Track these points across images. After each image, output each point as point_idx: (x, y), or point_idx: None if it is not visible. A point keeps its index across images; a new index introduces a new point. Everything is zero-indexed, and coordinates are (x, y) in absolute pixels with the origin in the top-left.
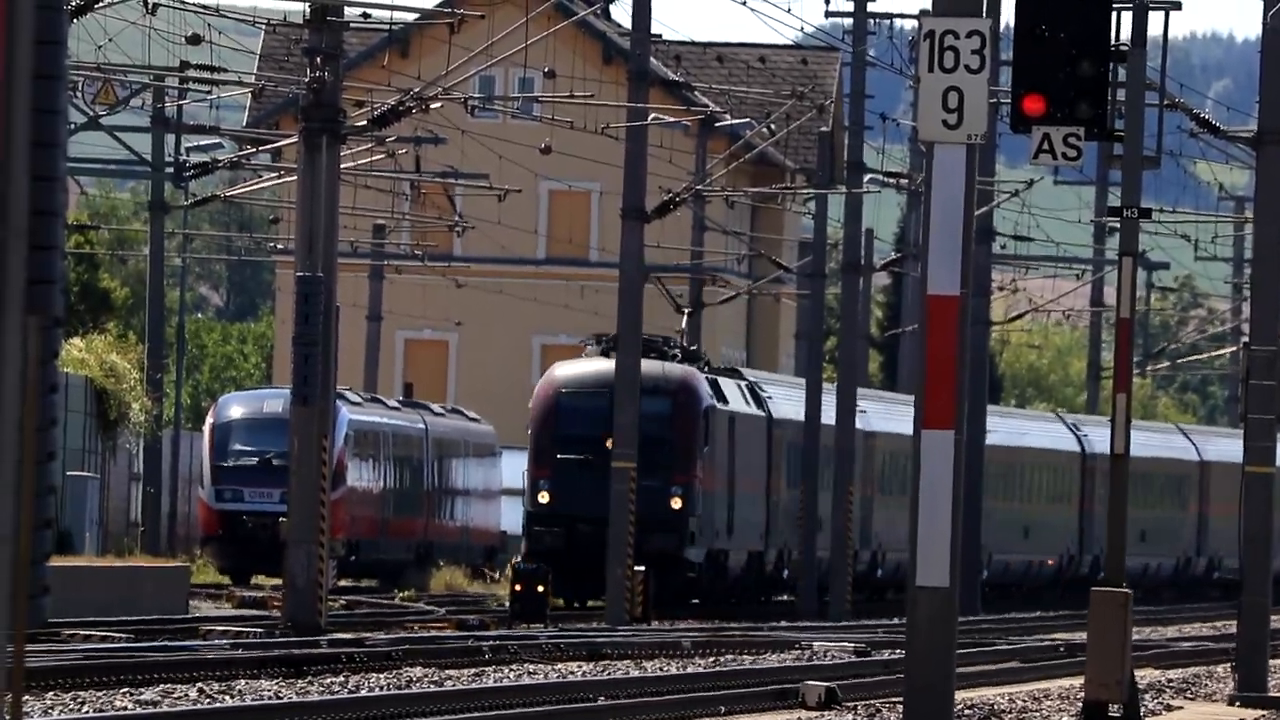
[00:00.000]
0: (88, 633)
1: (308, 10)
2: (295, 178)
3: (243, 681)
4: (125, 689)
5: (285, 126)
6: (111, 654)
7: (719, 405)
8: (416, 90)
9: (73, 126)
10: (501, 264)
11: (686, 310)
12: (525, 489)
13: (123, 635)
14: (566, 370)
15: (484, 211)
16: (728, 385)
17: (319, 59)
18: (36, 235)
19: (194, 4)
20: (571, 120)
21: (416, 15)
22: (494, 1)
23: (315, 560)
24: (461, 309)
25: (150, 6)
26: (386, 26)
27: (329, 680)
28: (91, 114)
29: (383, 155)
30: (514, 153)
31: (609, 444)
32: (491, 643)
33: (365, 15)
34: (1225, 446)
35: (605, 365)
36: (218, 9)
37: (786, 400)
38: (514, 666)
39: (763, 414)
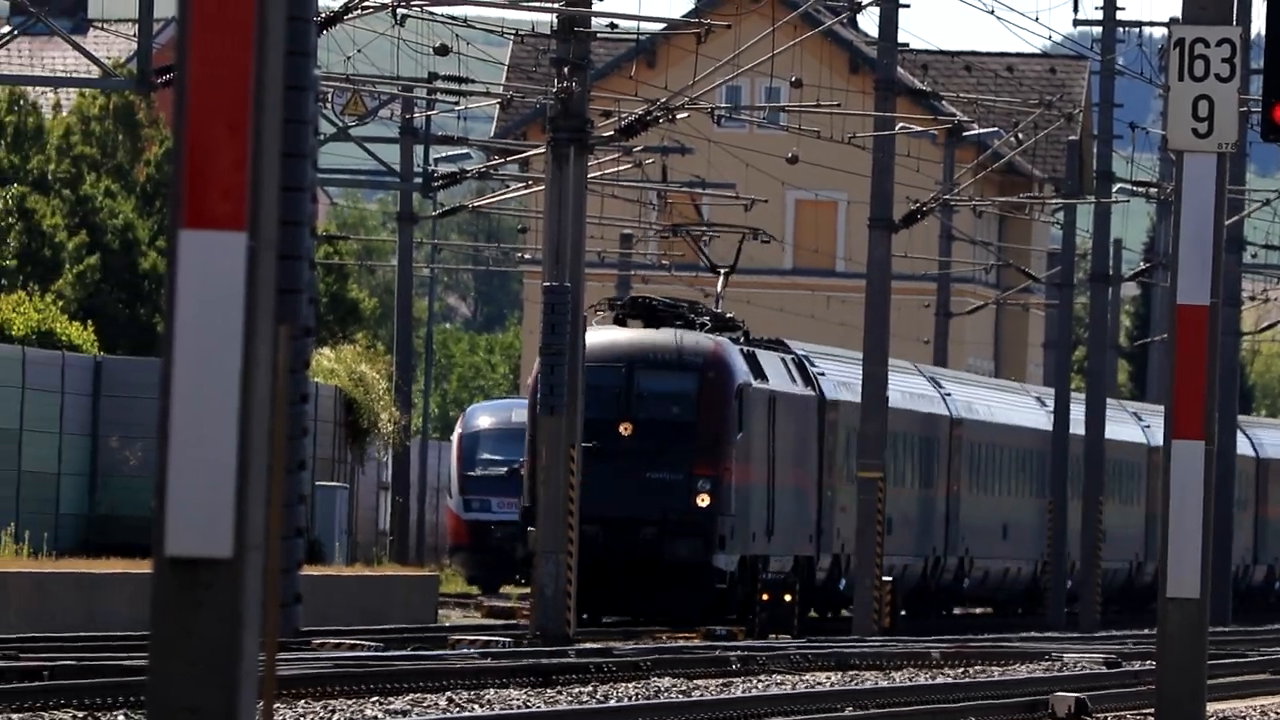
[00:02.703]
0: (338, 641)
1: (556, 21)
2: (543, 188)
3: (492, 691)
4: (375, 698)
5: (533, 137)
6: (362, 663)
7: (756, 383)
8: (663, 100)
9: (322, 137)
10: (748, 274)
11: (723, 269)
12: (523, 482)
13: (372, 644)
14: None
15: (730, 221)
16: (768, 360)
17: (567, 69)
18: (286, 245)
19: (443, 15)
20: (818, 130)
21: (663, 26)
22: (741, 11)
23: (564, 570)
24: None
25: (399, 17)
26: (634, 37)
27: (577, 690)
28: (340, 125)
29: (629, 165)
30: (761, 162)
31: (624, 430)
32: (739, 653)
33: (612, 26)
34: None
35: (619, 335)
36: (466, 20)
37: (844, 378)
38: (762, 677)
39: (813, 393)
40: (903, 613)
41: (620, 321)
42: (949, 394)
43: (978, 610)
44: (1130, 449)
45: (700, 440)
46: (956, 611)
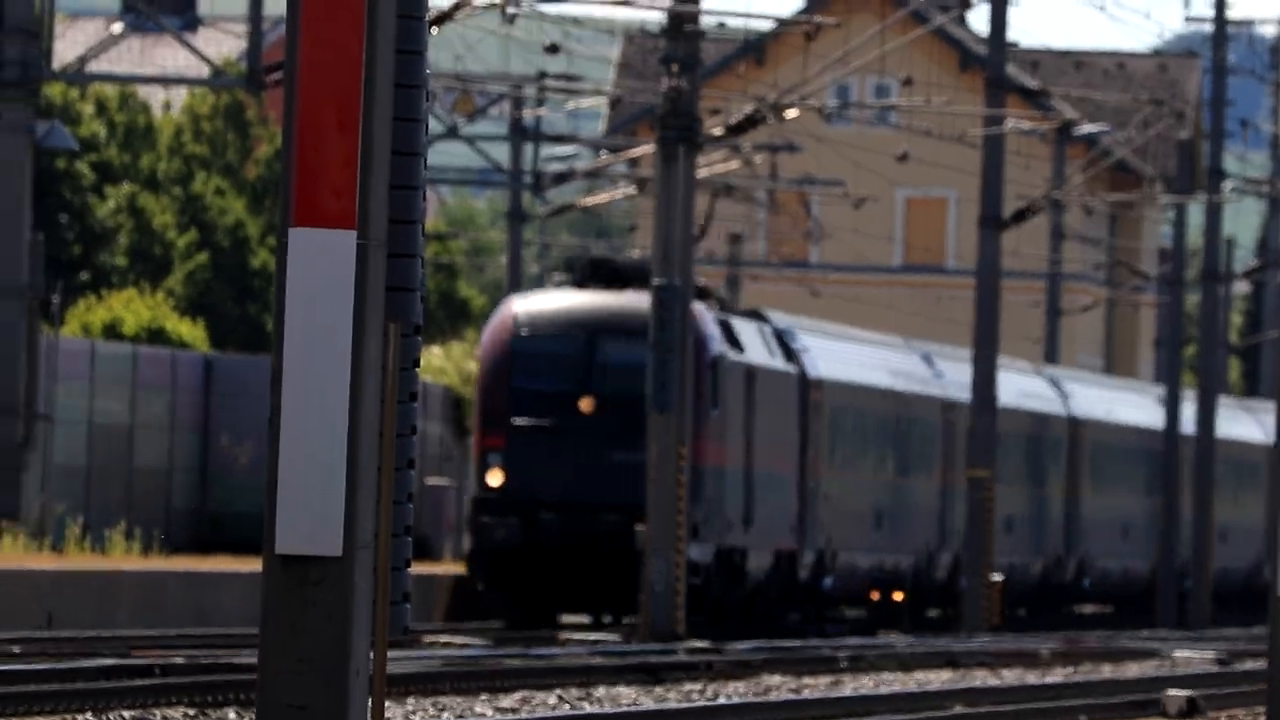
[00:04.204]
0: (447, 639)
1: (665, 20)
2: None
3: (601, 688)
4: (484, 694)
5: (642, 135)
6: (471, 660)
7: (732, 355)
8: (772, 98)
9: (432, 136)
10: (857, 272)
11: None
12: (472, 466)
13: (481, 642)
14: (527, 306)
15: (840, 219)
16: (746, 330)
17: (676, 68)
18: (397, 243)
19: (552, 13)
20: (928, 127)
21: (773, 24)
22: (850, 9)
23: (673, 568)
24: (818, 317)
25: (509, 16)
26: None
27: (687, 688)
28: (450, 123)
29: (739, 163)
30: (870, 160)
31: (583, 406)
32: (848, 651)
33: (721, 25)
34: None
35: (578, 299)
36: (576, 18)
37: (828, 355)
38: (871, 675)
39: (793, 369)
40: (1021, 612)
41: (580, 284)
42: (1067, 394)
43: (1088, 610)
44: (1251, 448)
45: None
46: (1080, 610)
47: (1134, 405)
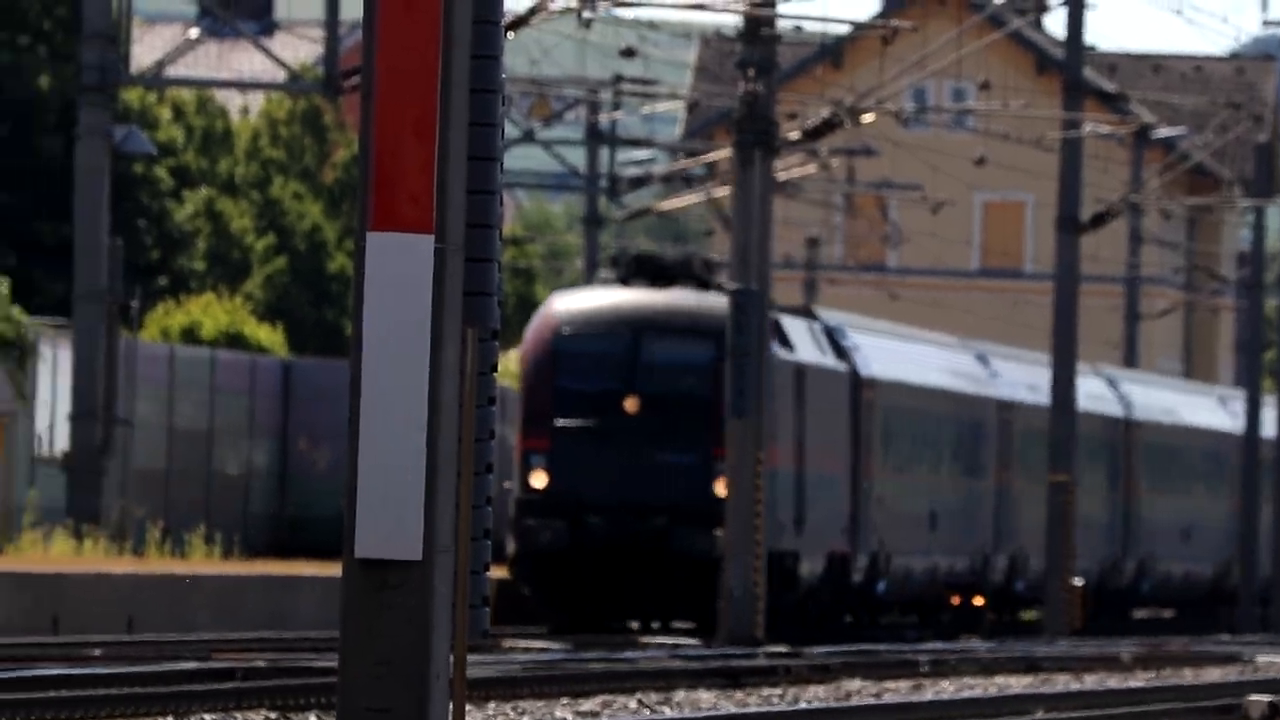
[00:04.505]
0: (527, 643)
1: (742, 23)
2: (728, 190)
3: (681, 692)
4: (564, 699)
5: (719, 139)
6: (551, 664)
7: (782, 353)
8: (849, 102)
9: (508, 140)
10: (935, 275)
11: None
12: (515, 468)
13: (561, 646)
14: (570, 304)
15: (917, 223)
16: (795, 327)
17: (752, 72)
18: (474, 248)
19: (629, 17)
20: (1006, 131)
21: (850, 28)
22: (927, 13)
23: (752, 572)
24: (895, 321)
25: (585, 20)
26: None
27: (766, 692)
28: (527, 127)
29: (816, 167)
30: (947, 164)
31: (628, 406)
32: (929, 655)
33: (798, 28)
34: None
35: (623, 296)
36: (652, 22)
37: (880, 353)
38: (952, 679)
39: (844, 368)
40: (1095, 615)
41: (625, 281)
42: (1126, 395)
43: (1157, 614)
44: None
45: (718, 417)
46: (1140, 615)
47: (1195, 406)
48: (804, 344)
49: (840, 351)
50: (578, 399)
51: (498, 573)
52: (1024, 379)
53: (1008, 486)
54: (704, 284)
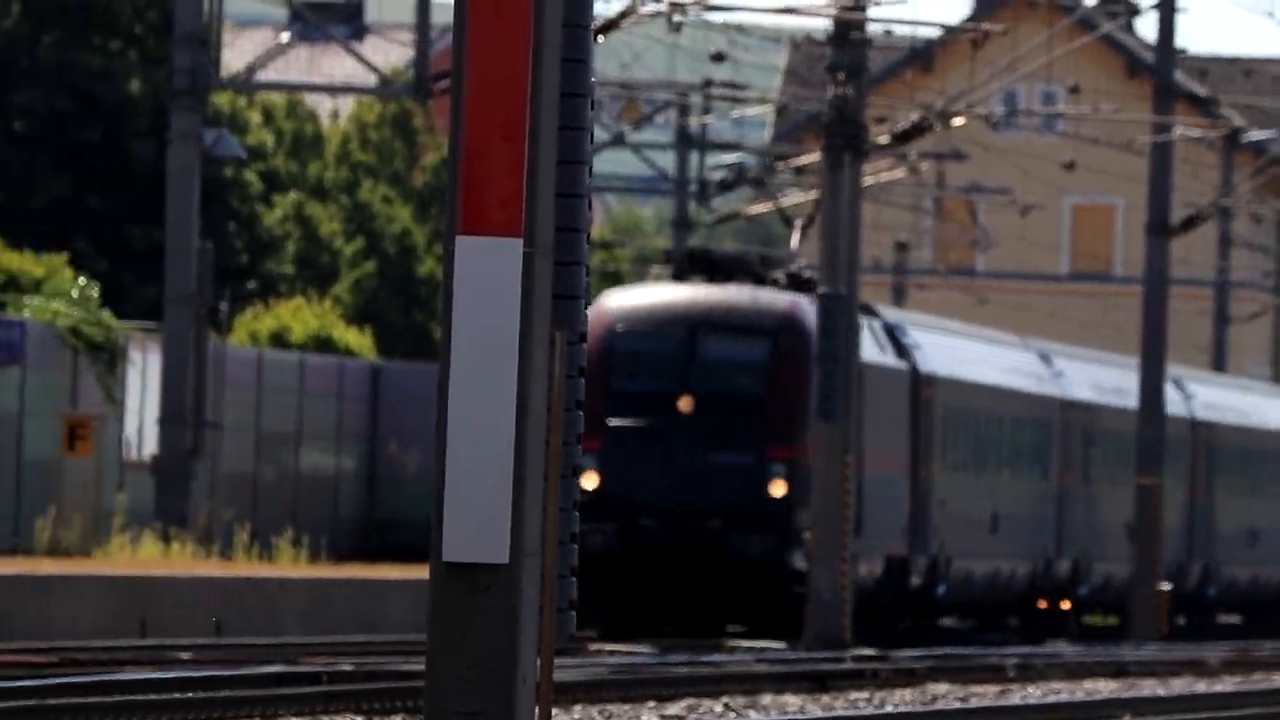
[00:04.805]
0: (613, 647)
1: (831, 27)
2: (818, 194)
3: (768, 696)
4: (650, 702)
5: (808, 143)
6: (636, 667)
7: None
8: (939, 106)
9: (597, 144)
10: (1024, 279)
11: (799, 221)
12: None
13: (647, 649)
14: (623, 301)
15: (1007, 227)
16: None
17: (842, 75)
18: (563, 251)
19: (719, 21)
20: (1096, 134)
21: (940, 31)
22: (1017, 17)
23: (839, 576)
24: (985, 325)
25: (675, 24)
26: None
27: (853, 696)
28: (616, 131)
29: (905, 171)
30: (1037, 167)
31: (682, 406)
32: (1016, 659)
33: (888, 32)
34: None
35: (677, 293)
36: (742, 26)
37: (940, 351)
38: (1039, 684)
39: (904, 366)
40: (1181, 620)
41: (680, 278)
42: (1191, 396)
43: (1233, 619)
44: None
45: (774, 417)
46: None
47: (1266, 407)
48: (864, 342)
49: (900, 349)
50: (630, 398)
51: None
52: (1087, 378)
53: (1071, 488)
54: (760, 280)
